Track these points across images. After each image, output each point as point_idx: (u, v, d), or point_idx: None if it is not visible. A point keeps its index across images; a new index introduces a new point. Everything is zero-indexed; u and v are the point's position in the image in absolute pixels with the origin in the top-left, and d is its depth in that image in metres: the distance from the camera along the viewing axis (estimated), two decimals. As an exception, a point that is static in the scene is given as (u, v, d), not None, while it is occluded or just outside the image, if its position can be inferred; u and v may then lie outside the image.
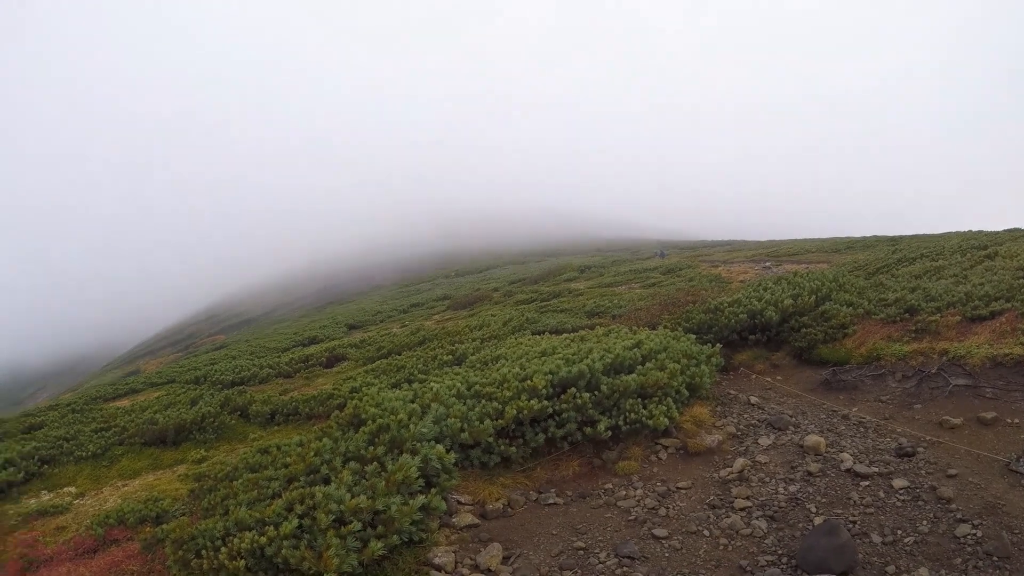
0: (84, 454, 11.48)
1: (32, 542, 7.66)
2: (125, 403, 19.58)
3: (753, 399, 10.49)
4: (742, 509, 7.06)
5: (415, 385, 11.47)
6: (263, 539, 5.90)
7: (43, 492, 9.93)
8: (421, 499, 6.66)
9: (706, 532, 6.71)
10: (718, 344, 11.96)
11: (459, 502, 7.60)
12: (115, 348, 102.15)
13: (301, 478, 7.15)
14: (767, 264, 30.30)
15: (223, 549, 5.93)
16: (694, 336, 12.59)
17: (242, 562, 5.75)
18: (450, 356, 15.53)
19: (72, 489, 9.92)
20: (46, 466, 11.05)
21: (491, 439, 8.48)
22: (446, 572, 6.23)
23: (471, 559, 6.49)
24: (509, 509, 7.63)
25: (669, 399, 9.31)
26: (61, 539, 7.70)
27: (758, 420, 9.57)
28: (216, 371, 22.21)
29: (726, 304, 14.26)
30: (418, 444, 7.65)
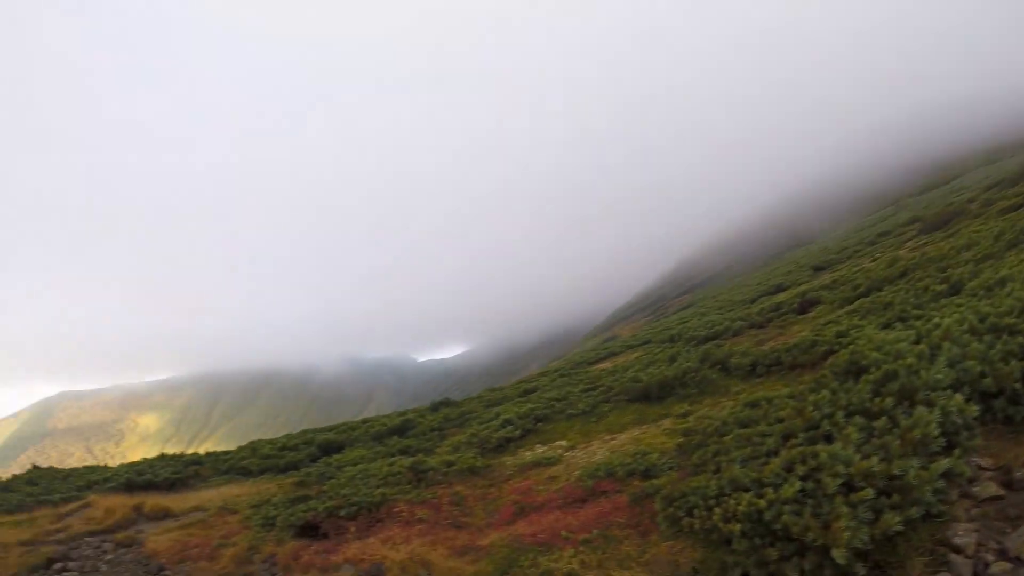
0: (574, 412, 12.86)
1: (526, 490, 8.58)
2: (607, 365, 21.45)
3: None
4: None
5: (914, 323, 9.93)
6: (761, 502, 5.52)
7: (537, 446, 11.25)
8: (944, 463, 5.53)
9: None
10: None
11: (979, 467, 6.18)
12: (592, 319, 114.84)
13: (799, 435, 6.58)
14: None
15: (716, 510, 5.74)
16: None
17: (737, 526, 5.48)
18: (943, 285, 13.44)
19: (563, 443, 10.98)
20: (540, 423, 12.77)
21: (1018, 385, 6.72)
22: (966, 555, 5.13)
23: (996, 542, 5.16)
24: (1042, 479, 5.98)
25: None
26: (552, 488, 8.42)
27: None
28: (688, 328, 23.08)
29: None
30: (933, 394, 6.47)
